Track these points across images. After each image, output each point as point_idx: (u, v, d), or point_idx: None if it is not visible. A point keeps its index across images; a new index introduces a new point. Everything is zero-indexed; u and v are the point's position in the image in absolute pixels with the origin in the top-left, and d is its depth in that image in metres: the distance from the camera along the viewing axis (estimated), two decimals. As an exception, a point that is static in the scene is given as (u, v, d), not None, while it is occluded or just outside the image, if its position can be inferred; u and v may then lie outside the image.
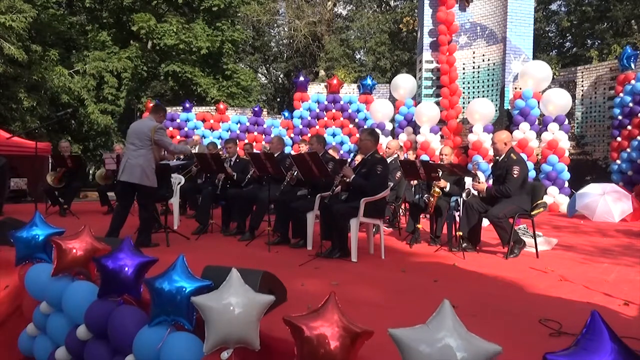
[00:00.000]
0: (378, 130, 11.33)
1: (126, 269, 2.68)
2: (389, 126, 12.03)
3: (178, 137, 12.92)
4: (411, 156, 10.23)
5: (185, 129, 13.16)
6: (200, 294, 2.36)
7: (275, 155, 5.56)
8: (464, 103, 11.77)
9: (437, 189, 5.13)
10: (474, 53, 11.84)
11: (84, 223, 3.39)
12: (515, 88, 10.88)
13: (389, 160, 6.39)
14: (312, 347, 1.79)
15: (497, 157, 4.91)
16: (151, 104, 13.09)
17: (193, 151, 8.18)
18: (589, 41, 21.93)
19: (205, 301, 2.15)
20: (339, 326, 1.81)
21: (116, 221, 4.89)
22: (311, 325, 1.81)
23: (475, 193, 4.94)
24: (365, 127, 11.54)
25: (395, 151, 6.80)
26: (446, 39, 11.59)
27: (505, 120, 10.97)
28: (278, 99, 28.11)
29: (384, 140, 10.76)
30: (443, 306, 1.67)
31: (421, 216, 5.64)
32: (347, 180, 4.48)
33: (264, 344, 2.17)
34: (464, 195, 4.83)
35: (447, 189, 5.24)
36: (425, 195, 5.37)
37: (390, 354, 1.82)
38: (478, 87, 11.80)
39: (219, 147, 9.74)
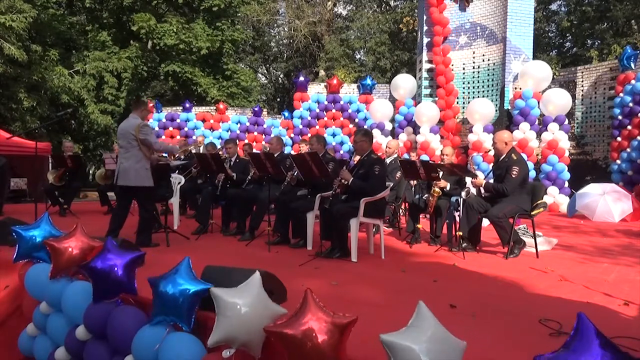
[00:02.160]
0: (377, 130, 11.46)
1: (115, 268, 2.67)
2: (388, 126, 12.02)
3: (178, 137, 12.93)
4: (413, 157, 10.25)
5: (185, 129, 13.16)
6: (199, 296, 2.35)
7: (275, 155, 5.56)
8: (464, 103, 11.78)
9: (437, 189, 5.13)
10: (474, 53, 11.84)
11: (84, 223, 3.40)
12: (515, 88, 10.88)
13: (388, 160, 6.39)
14: (299, 347, 1.77)
15: (498, 157, 4.91)
16: (151, 104, 13.10)
17: (194, 151, 8.18)
18: (589, 41, 21.91)
19: (224, 295, 2.11)
20: (322, 320, 1.80)
21: (115, 221, 4.88)
22: (294, 327, 1.80)
23: (474, 191, 4.94)
24: (365, 127, 11.55)
25: (395, 151, 6.80)
26: (440, 40, 11.64)
27: (505, 120, 10.97)
28: (278, 99, 28.11)
29: (384, 140, 10.78)
30: (420, 308, 1.72)
31: (421, 216, 5.64)
32: (346, 183, 4.48)
33: (263, 344, 2.17)
34: (463, 194, 4.82)
35: (448, 189, 5.24)
36: (425, 195, 5.37)
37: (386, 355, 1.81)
38: (478, 87, 11.80)
39: (219, 147, 9.73)
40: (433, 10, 11.65)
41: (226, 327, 2.07)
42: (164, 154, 5.87)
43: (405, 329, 1.68)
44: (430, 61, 12.02)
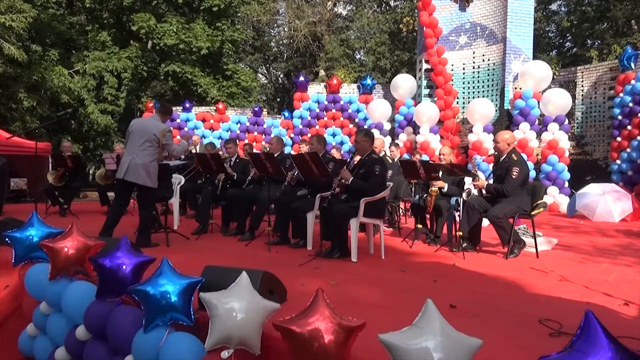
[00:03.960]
0: (376, 131, 11.45)
1: (124, 267, 2.67)
2: (387, 126, 12.01)
3: (178, 137, 12.92)
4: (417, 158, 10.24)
5: (185, 129, 13.16)
6: (190, 290, 2.36)
7: (275, 155, 5.56)
8: (464, 103, 11.78)
9: (435, 189, 5.14)
10: (474, 53, 11.84)
11: (84, 223, 3.39)
12: (515, 88, 10.88)
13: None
14: (304, 345, 1.78)
15: (499, 157, 4.91)
16: (151, 104, 13.09)
17: (193, 151, 8.18)
18: (589, 41, 21.91)
19: (213, 298, 2.15)
20: (330, 321, 1.80)
21: (111, 219, 4.88)
22: (301, 325, 1.80)
23: (476, 192, 4.94)
24: (365, 127, 11.55)
25: (381, 150, 6.72)
26: (433, 42, 11.69)
27: (505, 120, 10.97)
28: (278, 99, 28.11)
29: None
30: (427, 306, 1.69)
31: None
32: (346, 182, 4.48)
33: (263, 344, 2.17)
34: (464, 195, 4.82)
35: (445, 189, 5.24)
36: (424, 195, 5.37)
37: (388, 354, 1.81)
38: (478, 87, 11.80)
39: (219, 147, 9.73)
40: (422, 14, 11.75)
41: (221, 328, 2.09)
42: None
43: (409, 327, 1.66)
44: (428, 61, 12.03)
